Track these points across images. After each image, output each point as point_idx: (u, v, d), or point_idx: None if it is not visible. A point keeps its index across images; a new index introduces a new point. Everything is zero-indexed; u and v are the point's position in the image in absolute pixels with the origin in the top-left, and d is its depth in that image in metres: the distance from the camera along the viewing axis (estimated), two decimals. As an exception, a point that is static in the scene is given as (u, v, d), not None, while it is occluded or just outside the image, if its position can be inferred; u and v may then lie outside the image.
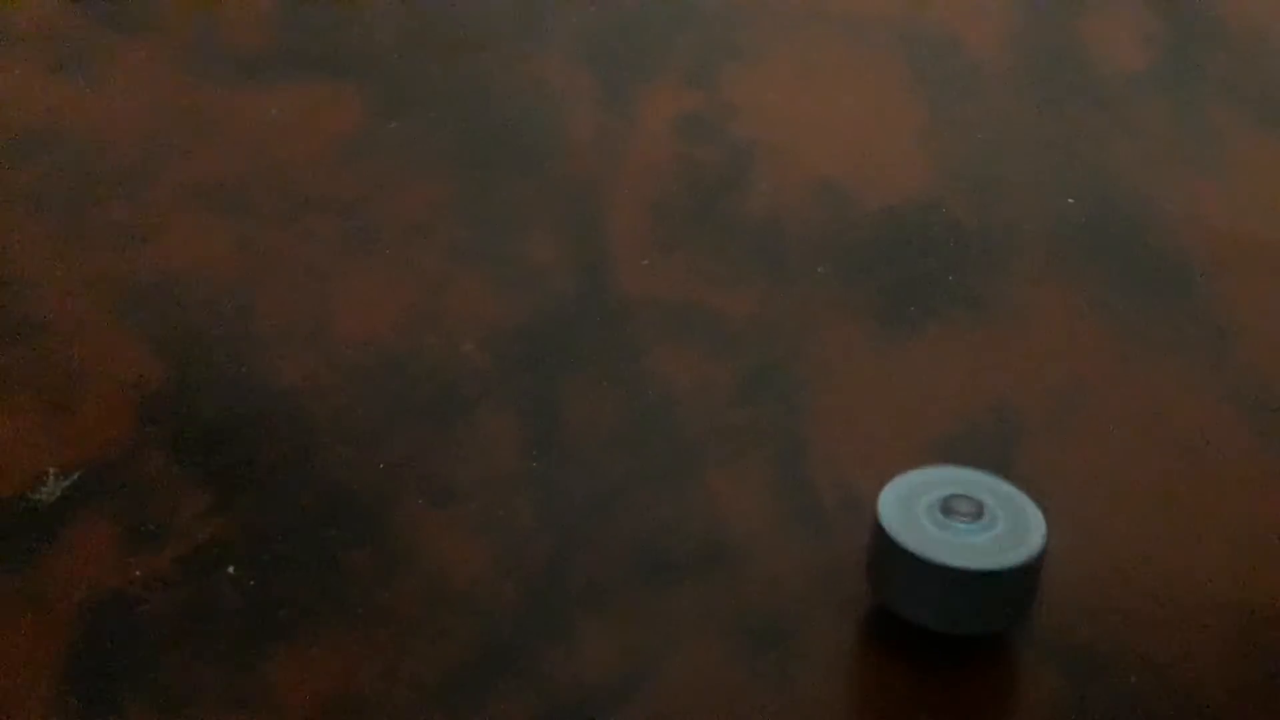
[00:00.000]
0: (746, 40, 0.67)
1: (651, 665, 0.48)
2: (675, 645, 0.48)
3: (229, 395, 0.53)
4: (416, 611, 0.48)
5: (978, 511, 0.47)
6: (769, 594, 0.50)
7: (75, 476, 0.50)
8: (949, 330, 0.57)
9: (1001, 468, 0.53)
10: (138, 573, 0.48)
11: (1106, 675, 0.48)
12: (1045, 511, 0.51)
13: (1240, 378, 0.55)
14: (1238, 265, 0.59)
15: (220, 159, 0.60)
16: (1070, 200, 0.61)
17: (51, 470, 0.51)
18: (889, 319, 0.57)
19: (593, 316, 0.57)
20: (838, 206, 0.61)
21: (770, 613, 0.49)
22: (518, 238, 0.59)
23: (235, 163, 0.60)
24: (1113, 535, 0.51)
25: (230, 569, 0.48)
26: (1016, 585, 0.47)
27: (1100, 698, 0.47)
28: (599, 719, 0.46)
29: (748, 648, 0.48)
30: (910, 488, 0.49)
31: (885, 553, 0.48)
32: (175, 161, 0.60)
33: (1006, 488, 0.49)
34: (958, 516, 0.47)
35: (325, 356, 0.54)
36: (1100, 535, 0.51)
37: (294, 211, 0.59)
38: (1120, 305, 0.58)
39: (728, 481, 0.52)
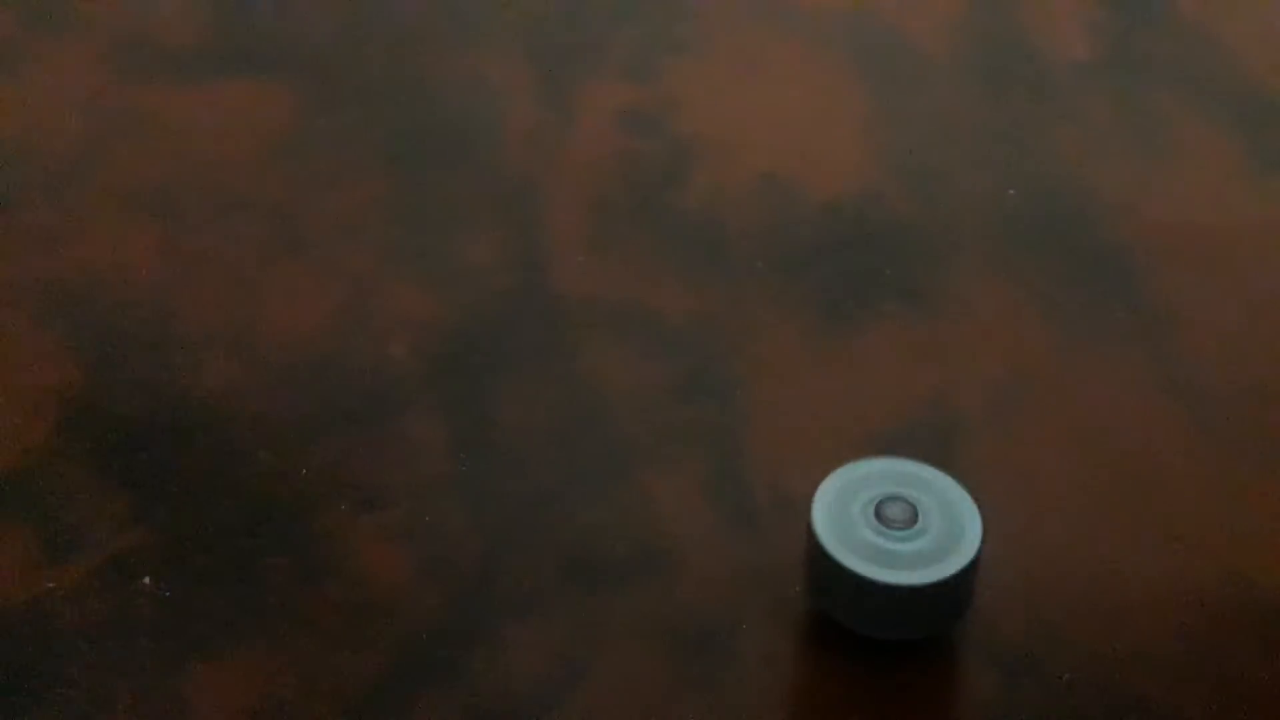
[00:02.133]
0: (689, 33, 0.66)
1: (580, 671, 0.47)
2: (605, 650, 0.47)
3: (149, 401, 0.52)
4: (339, 621, 0.47)
5: (911, 517, 0.47)
6: (702, 597, 0.49)
7: (-11, 486, 0.49)
8: (888, 325, 0.56)
9: (939, 464, 0.52)
10: (51, 584, 0.47)
11: (1041, 673, 0.47)
12: (982, 508, 0.50)
13: (1181, 369, 0.55)
14: (1180, 255, 0.58)
15: (146, 160, 0.59)
16: (1012, 192, 0.60)
17: (-35, 480, 0.50)
18: (828, 315, 0.56)
19: (527, 316, 0.56)
20: (779, 201, 0.60)
21: (703, 616, 0.48)
22: (450, 236, 0.58)
23: (161, 164, 0.59)
24: (1050, 531, 0.50)
25: (147, 579, 0.47)
26: (950, 594, 0.46)
27: (1034, 696, 0.46)
28: (526, 728, 0.46)
29: (679, 652, 0.48)
30: (845, 487, 0.48)
31: (818, 561, 0.47)
32: (99, 163, 0.59)
33: (945, 481, 0.48)
34: (890, 523, 0.46)
35: (249, 360, 0.53)
36: (1037, 531, 0.50)
37: (220, 213, 0.58)
38: (1061, 298, 0.57)
39: (662, 483, 0.51)
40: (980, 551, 0.46)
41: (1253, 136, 0.62)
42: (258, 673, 0.46)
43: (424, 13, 0.66)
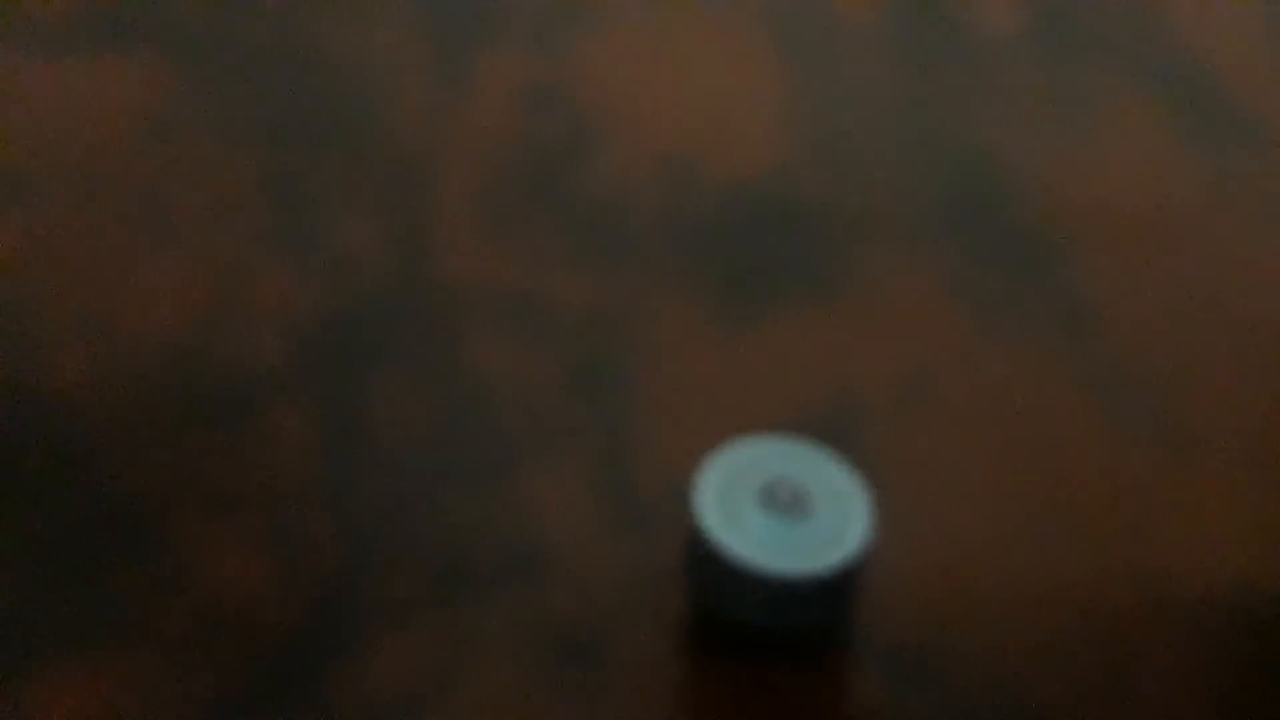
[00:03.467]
0: (596, 4, 0.63)
1: (447, 684, 0.44)
2: (474, 661, 0.45)
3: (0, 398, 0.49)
4: (189, 631, 0.44)
5: (797, 502, 0.44)
6: (582, 605, 0.46)
7: None
8: (794, 313, 0.53)
9: (840, 454, 0.49)
10: (-123, 595, 0.44)
11: (933, 676, 0.44)
12: (880, 499, 0.48)
13: (1095, 359, 0.52)
14: (1101, 238, 0.55)
15: (5, 140, 0.56)
16: (931, 172, 0.57)
17: None
18: (731, 302, 0.53)
19: (409, 306, 0.53)
20: (685, 183, 0.57)
21: (582, 625, 0.46)
22: (331, 220, 0.55)
23: (19, 144, 0.56)
24: (951, 525, 0.48)
25: (-18, 588, 0.45)
26: (837, 582, 0.44)
27: (927, 701, 0.44)
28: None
29: (553, 661, 0.45)
30: (729, 470, 0.45)
31: (700, 548, 0.44)
32: (-40, 144, 0.56)
33: (830, 464, 0.45)
34: (776, 507, 0.44)
35: (109, 355, 0.50)
36: (937, 525, 0.47)
37: (83, 198, 0.54)
38: (976, 283, 0.54)
39: (544, 482, 0.49)
40: (870, 533, 0.44)
41: (1182, 113, 0.59)
42: (99, 685, 0.43)
43: (314, -15, 0.63)
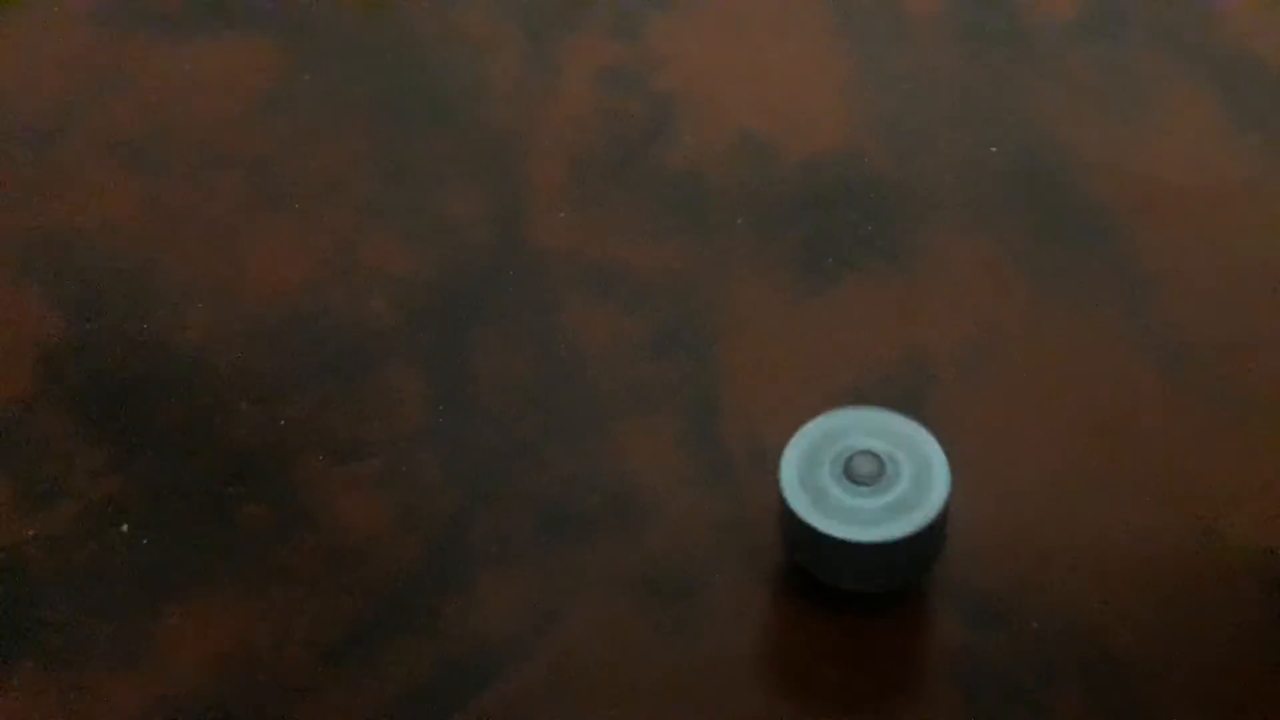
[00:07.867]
0: (673, -9, 0.66)
1: (553, 619, 0.48)
2: (578, 599, 0.48)
3: (130, 353, 0.52)
4: (314, 569, 0.48)
5: (879, 471, 0.47)
6: (675, 548, 0.49)
7: (-29, 436, 0.50)
8: (866, 282, 0.56)
9: (913, 418, 0.52)
10: (30, 532, 0.48)
11: (1009, 621, 0.48)
12: (955, 461, 0.51)
13: (1157, 327, 0.55)
14: (1158, 213, 0.58)
15: (131, 115, 0.60)
16: (993, 150, 0.60)
17: (-53, 430, 0.50)
18: (806, 271, 0.57)
19: (506, 271, 0.56)
20: (760, 159, 0.60)
21: (675, 567, 0.49)
22: (432, 192, 0.58)
23: (146, 119, 0.59)
24: (1022, 484, 0.51)
25: (125, 527, 0.48)
26: (918, 546, 0.47)
27: (1004, 645, 0.47)
28: (498, 672, 0.46)
29: (651, 601, 0.48)
30: (814, 442, 0.48)
31: (787, 518, 0.47)
32: (85, 117, 0.59)
33: (912, 429, 0.48)
34: (858, 479, 0.47)
35: (230, 314, 0.54)
36: (1009, 484, 0.51)
37: (204, 168, 0.58)
38: (1039, 255, 0.57)
39: (638, 436, 0.52)
40: (948, 504, 0.47)
41: (1233, 96, 0.62)
42: (233, 618, 0.46)
43: (409, -30, 0.66)
